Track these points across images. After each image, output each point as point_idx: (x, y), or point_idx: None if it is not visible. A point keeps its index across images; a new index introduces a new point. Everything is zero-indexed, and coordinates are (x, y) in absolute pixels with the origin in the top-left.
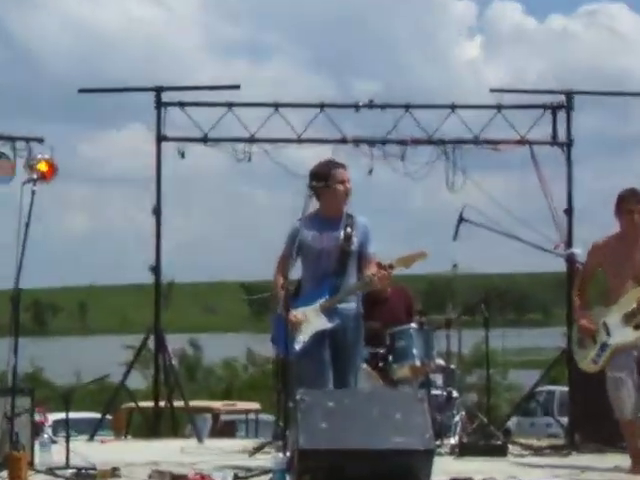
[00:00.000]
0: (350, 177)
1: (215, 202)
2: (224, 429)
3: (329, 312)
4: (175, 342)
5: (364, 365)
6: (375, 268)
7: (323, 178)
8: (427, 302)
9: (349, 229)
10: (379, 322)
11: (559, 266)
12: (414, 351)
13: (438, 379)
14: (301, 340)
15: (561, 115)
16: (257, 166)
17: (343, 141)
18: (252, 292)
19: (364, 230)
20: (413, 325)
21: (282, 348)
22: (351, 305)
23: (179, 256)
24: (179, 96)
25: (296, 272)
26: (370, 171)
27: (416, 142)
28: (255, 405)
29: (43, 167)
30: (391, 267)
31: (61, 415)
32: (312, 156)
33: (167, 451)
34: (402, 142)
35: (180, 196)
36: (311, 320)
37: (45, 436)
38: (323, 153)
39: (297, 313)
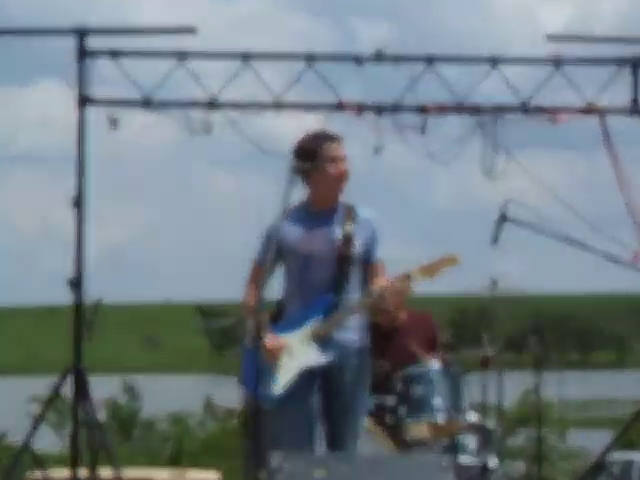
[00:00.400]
0: (347, 154)
1: (161, 191)
2: None
3: (322, 342)
4: (103, 387)
5: (368, 419)
6: (386, 280)
7: (309, 156)
8: (456, 333)
9: (349, 226)
10: (389, 360)
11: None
12: (436, 402)
13: (470, 442)
14: (281, 381)
15: None
16: (220, 141)
17: (339, 107)
18: (211, 317)
19: (370, 227)
20: (436, 365)
21: (253, 393)
22: (352, 335)
23: (110, 266)
24: (111, 42)
25: (276, 287)
26: (377, 149)
27: (442, 110)
28: (214, 476)
29: None
30: (408, 279)
31: None
32: (296, 128)
33: None
34: (422, 109)
35: (112, 182)
36: (296, 353)
37: None
38: (311, 124)
39: (277, 341)
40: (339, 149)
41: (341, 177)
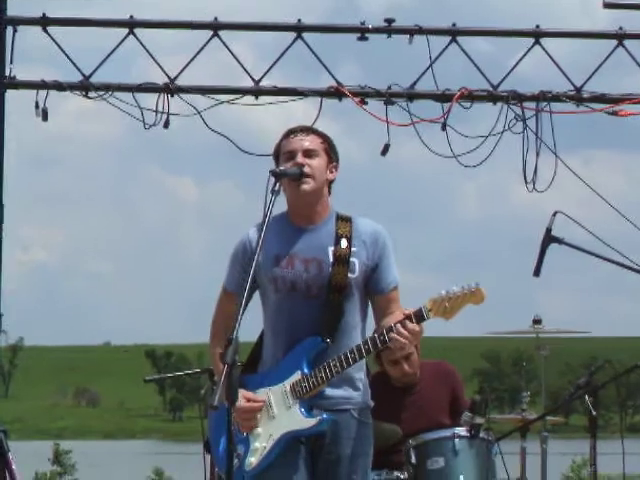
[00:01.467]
0: (319, 147)
1: (102, 200)
2: None
3: (309, 401)
4: (27, 454)
5: None
6: (397, 317)
7: (276, 154)
8: (486, 388)
9: (344, 242)
10: (400, 424)
11: None
12: (461, 479)
13: None
14: (257, 454)
15: None
16: (181, 136)
17: (336, 93)
18: (163, 365)
19: (374, 244)
20: (460, 431)
21: (223, 462)
22: (350, 391)
23: (31, 299)
24: (36, 7)
25: (253, 325)
26: (385, 149)
27: (469, 97)
28: None
29: None
30: (422, 316)
31: None
32: (280, 118)
33: None
34: (443, 97)
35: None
36: (277, 414)
37: None
38: (300, 114)
39: (252, 397)
40: (296, 141)
41: (302, 180)
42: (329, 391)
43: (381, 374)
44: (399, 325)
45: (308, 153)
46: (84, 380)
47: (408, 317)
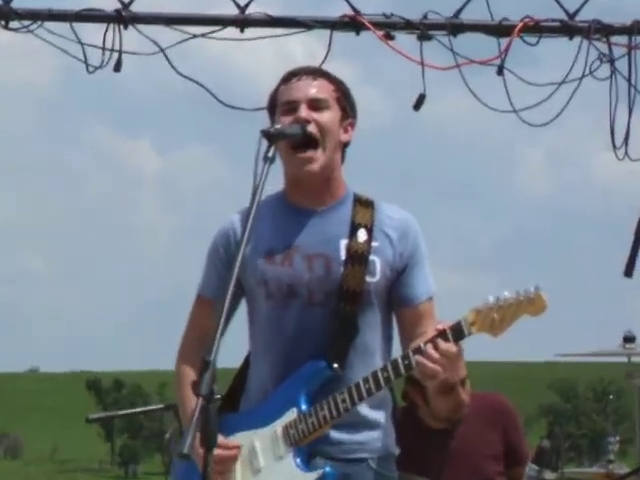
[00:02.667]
0: (331, 96)
1: (28, 172)
2: None
3: (309, 448)
4: None
5: None
6: (429, 335)
7: (271, 107)
8: (558, 430)
9: (362, 233)
10: (435, 477)
11: None
12: None
13: None
14: None
15: None
16: (137, 83)
17: (351, 24)
18: (111, 399)
19: (403, 237)
20: None
21: None
22: (365, 434)
23: None
24: None
25: (237, 347)
26: (419, 101)
27: (535, 29)
28: None
29: None
30: (461, 331)
31: None
32: (274, 59)
33: None
34: (500, 30)
35: None
36: (263, 466)
37: None
38: (301, 53)
39: (223, 442)
40: (299, 87)
41: (312, 140)
42: (337, 434)
43: (409, 410)
44: (429, 345)
45: (315, 104)
46: (1, 421)
47: (442, 333)
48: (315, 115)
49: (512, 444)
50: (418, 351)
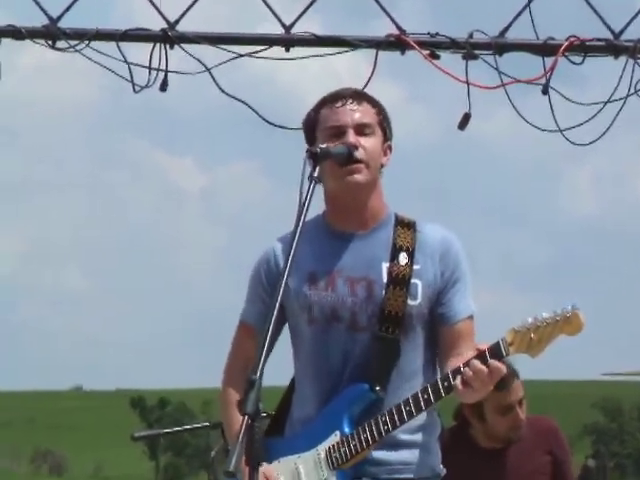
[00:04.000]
0: (374, 120)
1: (72, 189)
2: None
3: (353, 471)
4: None
5: None
6: (468, 355)
7: (310, 128)
8: (603, 451)
9: (403, 256)
10: None
11: None
12: None
13: None
14: None
15: None
16: (182, 101)
17: (396, 43)
18: (155, 417)
19: (444, 257)
20: None
21: None
22: (411, 454)
23: None
24: None
25: (282, 370)
26: (464, 120)
27: (581, 49)
28: None
29: None
30: (500, 351)
31: None
32: (319, 78)
33: None
34: (545, 49)
35: None
36: None
37: None
38: (346, 72)
39: (274, 470)
40: (345, 112)
41: (358, 164)
42: (379, 454)
43: (458, 430)
44: (467, 368)
45: (362, 129)
46: (46, 438)
47: (481, 354)
48: (362, 140)
49: (560, 465)
50: (458, 372)
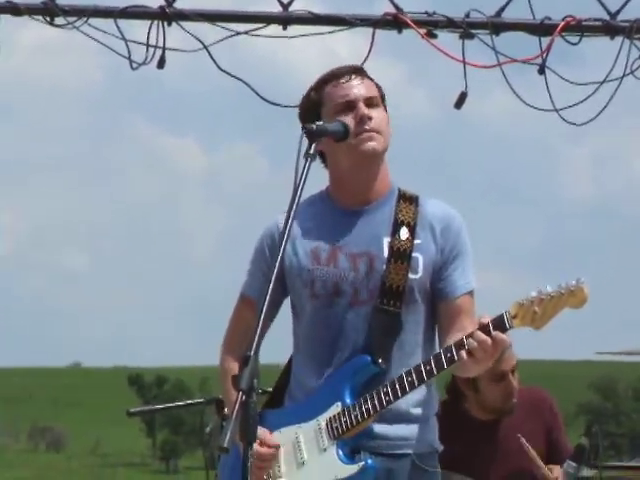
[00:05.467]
0: (377, 94)
1: (71, 169)
2: None
3: (352, 442)
4: None
5: None
6: (471, 328)
7: (312, 107)
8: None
9: (404, 231)
10: (477, 476)
11: None
12: None
13: None
14: None
15: None
16: (181, 80)
17: (394, 22)
18: (153, 395)
19: (445, 231)
20: None
21: None
22: (409, 429)
23: None
24: None
25: (281, 346)
26: (460, 99)
27: (577, 29)
28: None
29: None
30: (504, 324)
31: None
32: (317, 56)
33: None
34: (542, 29)
35: None
36: (307, 459)
37: None
38: (345, 51)
39: (264, 438)
40: (353, 87)
41: (366, 136)
42: (379, 428)
43: (451, 403)
44: (471, 339)
45: (370, 102)
46: (44, 415)
47: (484, 327)
48: (372, 112)
49: (554, 438)
50: (461, 345)
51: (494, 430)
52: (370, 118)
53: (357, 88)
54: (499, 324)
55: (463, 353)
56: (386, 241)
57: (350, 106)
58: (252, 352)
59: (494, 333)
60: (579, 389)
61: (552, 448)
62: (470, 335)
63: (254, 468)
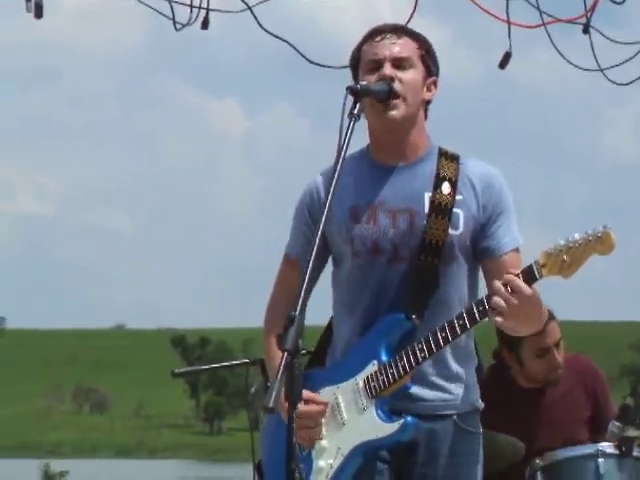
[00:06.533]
0: (415, 54)
1: (113, 131)
2: None
3: (391, 402)
4: (8, 478)
5: None
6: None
7: (354, 65)
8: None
9: (446, 186)
10: (523, 439)
11: None
12: None
13: None
14: (323, 469)
15: None
16: (223, 41)
17: None
18: (196, 356)
19: (487, 189)
20: (606, 448)
21: None
22: (448, 388)
23: (15, 264)
24: None
25: (324, 306)
26: (504, 59)
27: None
28: None
29: None
30: (533, 274)
31: None
32: (361, 17)
33: None
34: None
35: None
36: (347, 419)
37: None
38: (388, 11)
39: (311, 397)
40: (383, 46)
41: (398, 97)
42: (418, 390)
43: (499, 368)
44: (500, 284)
45: (399, 62)
46: (88, 376)
47: (518, 277)
48: (399, 74)
49: (600, 404)
50: (491, 297)
51: (539, 398)
52: (392, 79)
53: (388, 48)
54: (528, 275)
55: (493, 303)
56: (427, 196)
57: (378, 65)
58: (297, 312)
59: (518, 283)
60: (621, 350)
61: (599, 414)
62: (500, 285)
63: (301, 430)
